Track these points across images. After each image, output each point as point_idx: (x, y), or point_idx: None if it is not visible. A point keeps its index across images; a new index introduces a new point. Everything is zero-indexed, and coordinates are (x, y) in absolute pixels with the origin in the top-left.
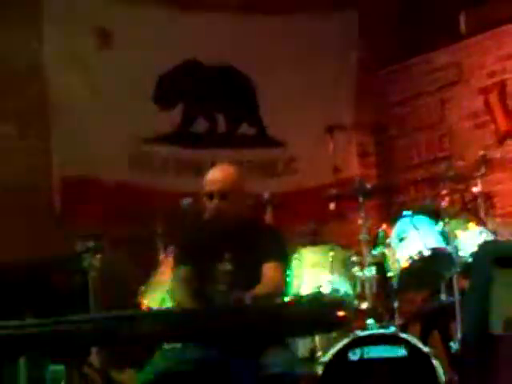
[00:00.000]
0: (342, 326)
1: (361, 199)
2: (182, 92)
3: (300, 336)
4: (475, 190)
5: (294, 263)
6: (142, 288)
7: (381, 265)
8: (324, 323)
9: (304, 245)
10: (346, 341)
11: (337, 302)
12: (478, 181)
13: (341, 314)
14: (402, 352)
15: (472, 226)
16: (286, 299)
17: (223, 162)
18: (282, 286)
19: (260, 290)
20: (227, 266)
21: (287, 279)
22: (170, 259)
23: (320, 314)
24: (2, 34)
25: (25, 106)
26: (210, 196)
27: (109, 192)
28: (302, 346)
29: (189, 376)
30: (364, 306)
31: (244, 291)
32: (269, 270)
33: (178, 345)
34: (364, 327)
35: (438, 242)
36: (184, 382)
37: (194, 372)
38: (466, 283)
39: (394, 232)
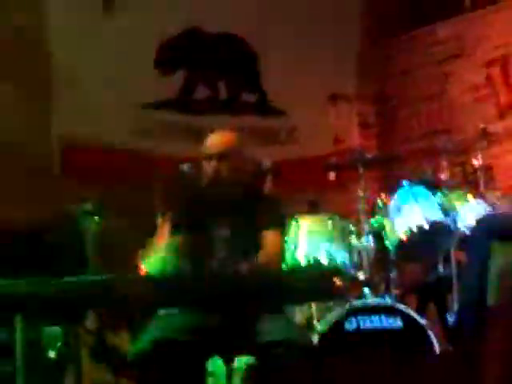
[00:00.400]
0: (339, 295)
1: (361, 170)
2: (184, 58)
3: (297, 304)
4: (475, 162)
5: (292, 231)
6: (140, 252)
7: (379, 235)
8: (321, 292)
9: (303, 213)
10: (342, 310)
11: (334, 271)
12: (479, 154)
13: (338, 282)
14: (397, 323)
15: (471, 198)
16: (284, 267)
17: (223, 129)
18: (282, 254)
19: (261, 258)
20: (225, 233)
21: (286, 247)
22: (168, 224)
23: (317, 282)
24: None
25: (26, 68)
26: (209, 159)
27: (108, 156)
28: (298, 314)
29: (185, 344)
30: (361, 275)
31: (241, 258)
32: (268, 237)
33: (175, 310)
34: (360, 297)
35: (436, 214)
36: (180, 350)
37: (191, 340)
38: (463, 256)
39: (393, 202)
